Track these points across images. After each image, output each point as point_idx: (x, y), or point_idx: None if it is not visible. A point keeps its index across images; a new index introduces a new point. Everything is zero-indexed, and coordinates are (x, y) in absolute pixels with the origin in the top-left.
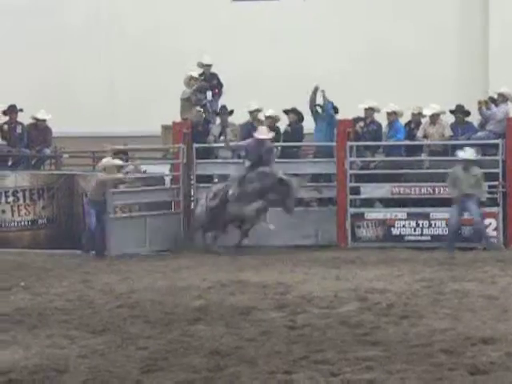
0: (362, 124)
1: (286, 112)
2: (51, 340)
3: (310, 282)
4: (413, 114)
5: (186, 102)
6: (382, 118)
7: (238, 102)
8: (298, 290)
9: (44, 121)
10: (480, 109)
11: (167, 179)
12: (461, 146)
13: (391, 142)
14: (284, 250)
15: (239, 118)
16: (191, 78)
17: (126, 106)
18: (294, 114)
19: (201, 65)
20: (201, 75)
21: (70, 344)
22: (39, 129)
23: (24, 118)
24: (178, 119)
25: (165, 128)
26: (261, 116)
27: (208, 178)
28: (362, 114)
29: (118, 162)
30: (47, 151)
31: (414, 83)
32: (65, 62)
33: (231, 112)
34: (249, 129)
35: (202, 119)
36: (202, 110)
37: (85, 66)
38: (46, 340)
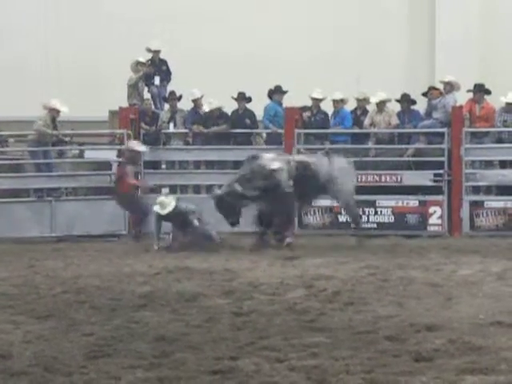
0: (308, 114)
1: (236, 98)
2: None
3: (256, 269)
4: (358, 100)
5: (133, 88)
6: (328, 106)
7: (186, 88)
8: (245, 276)
9: None
10: (429, 99)
11: (114, 165)
12: (408, 134)
13: (339, 130)
14: (229, 237)
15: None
16: (138, 63)
17: (73, 91)
18: (244, 100)
19: (149, 50)
20: (149, 61)
21: (15, 329)
22: None
23: None
24: (126, 105)
25: (112, 113)
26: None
27: (156, 164)
28: (309, 102)
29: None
30: None
31: (360, 72)
32: (10, 44)
33: (180, 97)
34: (193, 116)
35: (151, 108)
36: (149, 99)
37: (30, 49)
38: None
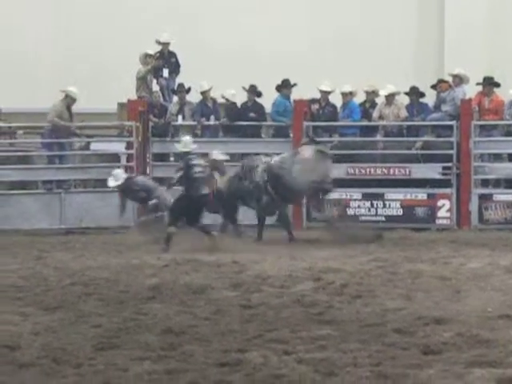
0: (317, 106)
1: (246, 91)
2: (4, 317)
3: (264, 262)
4: (366, 93)
5: (141, 81)
6: (337, 99)
7: (195, 80)
8: (253, 269)
9: None
10: (438, 92)
11: (123, 157)
12: (416, 127)
13: (347, 123)
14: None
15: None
16: (146, 55)
17: (81, 83)
18: (253, 93)
19: (158, 42)
20: (158, 53)
21: (23, 321)
22: None
23: None
24: (135, 97)
25: (121, 105)
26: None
27: (165, 157)
28: (317, 95)
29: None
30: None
31: (369, 64)
32: (18, 36)
33: (188, 90)
34: (202, 108)
35: (159, 100)
36: (158, 91)
37: (40, 41)
38: None
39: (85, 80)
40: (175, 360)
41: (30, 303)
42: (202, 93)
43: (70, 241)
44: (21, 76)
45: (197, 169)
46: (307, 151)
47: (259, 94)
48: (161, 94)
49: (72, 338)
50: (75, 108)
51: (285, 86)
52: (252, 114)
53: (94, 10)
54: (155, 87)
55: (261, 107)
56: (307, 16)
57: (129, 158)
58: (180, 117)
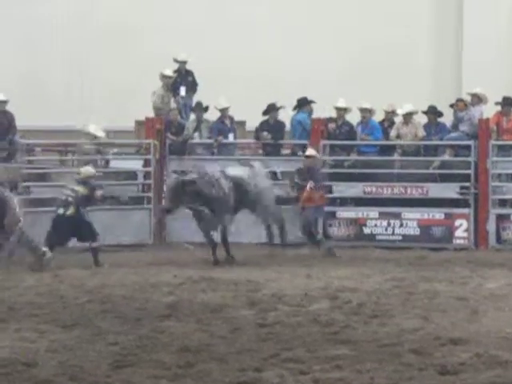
0: (333, 126)
1: (266, 109)
2: (20, 334)
3: (280, 280)
4: (386, 112)
5: (159, 99)
6: (353, 117)
7: (211, 99)
8: (269, 287)
9: (4, 102)
10: (455, 111)
11: (140, 175)
12: (434, 147)
13: (365, 142)
14: (252, 248)
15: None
16: (162, 76)
17: (100, 101)
18: (274, 111)
19: (176, 60)
20: (176, 71)
21: (40, 338)
22: (1, 114)
23: None
24: (152, 115)
25: (138, 123)
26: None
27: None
28: (334, 113)
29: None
30: (20, 141)
31: (387, 83)
32: (37, 54)
33: (206, 108)
34: (219, 127)
35: (177, 118)
36: (177, 108)
37: (58, 59)
38: (15, 334)
39: (102, 98)
40: (191, 379)
41: (47, 320)
42: (221, 110)
43: (88, 258)
44: (39, 94)
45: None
46: (259, 168)
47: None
48: (178, 112)
49: (89, 356)
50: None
51: (303, 104)
52: (265, 133)
53: (111, 28)
54: (172, 105)
55: (282, 125)
56: (325, 35)
57: (146, 175)
58: (197, 134)
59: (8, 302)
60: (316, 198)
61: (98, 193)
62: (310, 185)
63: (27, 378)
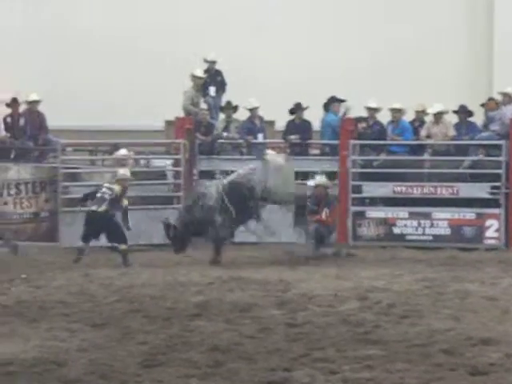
0: (364, 125)
1: (293, 109)
2: (51, 333)
3: (310, 280)
4: (416, 112)
5: (189, 99)
6: (383, 117)
7: (240, 99)
8: (299, 287)
9: (37, 102)
10: (486, 110)
11: (169, 174)
12: (465, 146)
13: (395, 142)
14: (283, 247)
15: (240, 114)
16: (193, 76)
17: (129, 100)
18: (300, 111)
19: (205, 60)
20: (206, 71)
21: (70, 337)
22: (34, 114)
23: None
24: (182, 114)
25: (168, 123)
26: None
27: (211, 174)
28: (364, 113)
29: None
30: (53, 139)
31: (418, 83)
32: (68, 54)
33: (236, 108)
34: (249, 126)
35: (206, 118)
36: (207, 109)
37: (88, 60)
38: (45, 333)
39: (132, 98)
40: (221, 378)
41: (77, 319)
42: (250, 110)
43: (117, 258)
44: (70, 94)
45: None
46: (275, 161)
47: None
48: (208, 112)
49: (118, 355)
50: (122, 125)
51: (332, 102)
52: (293, 137)
53: (141, 30)
54: (202, 105)
55: (309, 125)
56: (355, 34)
57: (176, 175)
58: (225, 134)
59: (39, 302)
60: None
61: (125, 201)
62: (325, 213)
63: (57, 377)
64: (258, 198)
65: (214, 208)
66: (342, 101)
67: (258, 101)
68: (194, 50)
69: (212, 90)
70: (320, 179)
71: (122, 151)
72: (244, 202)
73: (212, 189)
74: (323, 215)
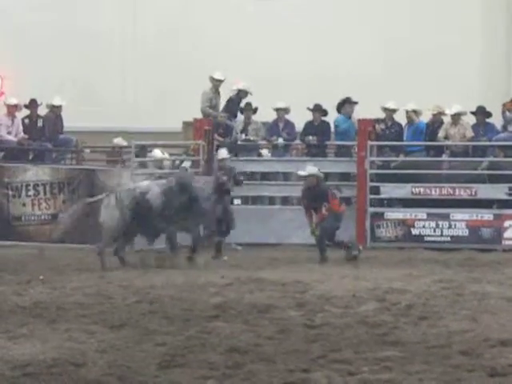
0: (382, 126)
1: (312, 110)
2: (69, 334)
3: (328, 281)
4: (433, 115)
5: (207, 101)
6: (402, 117)
7: (262, 101)
8: (317, 288)
9: (60, 107)
10: (504, 112)
11: None
12: (483, 148)
13: (411, 143)
14: (301, 249)
15: (263, 116)
16: (212, 78)
17: (146, 102)
18: (319, 112)
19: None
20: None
21: (89, 338)
22: (56, 117)
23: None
24: (200, 115)
25: (186, 124)
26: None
27: None
28: (381, 114)
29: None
30: (72, 140)
31: (435, 84)
32: (87, 56)
33: (255, 110)
34: (272, 128)
35: (225, 120)
36: (225, 114)
37: (106, 61)
38: (64, 334)
39: (150, 99)
40: (240, 379)
41: (96, 321)
42: (276, 110)
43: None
44: (90, 97)
45: None
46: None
47: (325, 113)
48: (226, 114)
49: (137, 356)
50: (140, 127)
51: (346, 104)
52: (311, 138)
53: (161, 32)
54: (221, 107)
55: (327, 126)
56: (372, 36)
57: None
58: (243, 135)
59: (57, 303)
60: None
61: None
62: (324, 209)
63: (76, 379)
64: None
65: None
66: (355, 103)
67: (285, 103)
68: (213, 53)
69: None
70: (311, 169)
71: (157, 152)
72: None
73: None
74: (323, 211)
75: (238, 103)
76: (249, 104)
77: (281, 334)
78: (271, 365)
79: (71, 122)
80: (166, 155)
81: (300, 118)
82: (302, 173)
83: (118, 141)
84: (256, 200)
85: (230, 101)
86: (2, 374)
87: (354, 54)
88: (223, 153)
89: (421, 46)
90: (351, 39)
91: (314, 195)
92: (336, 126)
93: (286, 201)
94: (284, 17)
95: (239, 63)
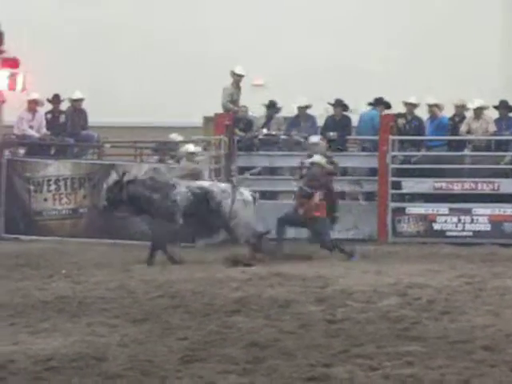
0: (403, 121)
1: (333, 105)
2: (91, 328)
3: (349, 276)
4: (456, 107)
5: (228, 96)
6: (422, 111)
7: (285, 96)
8: (338, 283)
9: (80, 100)
10: None
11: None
12: (505, 142)
13: (434, 137)
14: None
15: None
16: (233, 73)
17: (168, 97)
18: (340, 107)
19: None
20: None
21: (111, 332)
22: (78, 112)
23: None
24: (220, 110)
25: (207, 119)
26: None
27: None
28: (402, 109)
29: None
30: (94, 135)
31: (458, 78)
32: (109, 52)
33: (279, 109)
34: (293, 123)
35: (246, 115)
36: (245, 106)
37: (128, 57)
38: (86, 328)
39: (171, 94)
40: (260, 374)
41: (118, 315)
42: (299, 108)
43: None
44: (112, 92)
45: None
46: (243, 194)
47: (346, 107)
48: (246, 109)
49: (158, 351)
50: (161, 122)
51: (379, 103)
52: (331, 133)
53: (181, 28)
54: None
55: (348, 121)
56: (395, 29)
57: (215, 171)
58: (265, 130)
59: (79, 297)
60: (323, 209)
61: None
62: (319, 196)
63: (98, 373)
64: (220, 218)
65: (177, 207)
66: (388, 105)
67: (307, 99)
68: (232, 47)
69: None
70: (317, 158)
71: (190, 147)
72: (202, 213)
73: (182, 187)
74: (316, 198)
75: None
76: (273, 103)
77: (301, 328)
78: (292, 360)
79: (93, 117)
80: (199, 149)
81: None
82: (308, 160)
83: (174, 136)
84: (276, 194)
85: None
86: (25, 368)
87: (376, 48)
88: (315, 138)
89: (443, 41)
90: (374, 33)
91: (316, 184)
92: (370, 120)
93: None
94: (305, 10)
95: (260, 58)
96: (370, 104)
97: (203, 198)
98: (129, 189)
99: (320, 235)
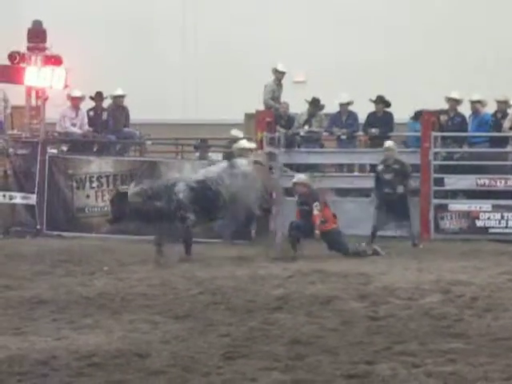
0: (446, 117)
1: (374, 101)
2: (133, 325)
3: (391, 273)
4: (498, 102)
5: (270, 92)
6: (465, 108)
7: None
8: (380, 280)
9: (122, 97)
10: None
11: None
12: None
13: (476, 134)
14: (364, 240)
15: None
16: (275, 70)
17: (209, 94)
18: (382, 103)
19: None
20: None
21: (153, 329)
22: (120, 109)
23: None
24: (261, 107)
25: (248, 116)
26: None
27: (290, 167)
28: (444, 105)
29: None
30: (136, 133)
31: (500, 74)
32: (150, 49)
33: (322, 107)
34: (334, 119)
35: (287, 111)
36: (286, 102)
37: (169, 54)
38: (128, 325)
39: (212, 91)
40: (303, 371)
41: (159, 311)
42: (340, 105)
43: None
44: (152, 89)
45: None
46: (245, 164)
47: (388, 104)
48: (288, 105)
49: (200, 347)
50: (202, 119)
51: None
52: (373, 130)
53: (220, 22)
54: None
55: (390, 117)
56: (435, 28)
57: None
58: (306, 127)
59: (121, 293)
60: (331, 218)
61: None
62: (315, 209)
63: (140, 369)
64: (222, 203)
65: (183, 204)
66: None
67: (349, 96)
68: (273, 44)
69: None
70: (299, 177)
71: (243, 142)
72: (206, 204)
73: (181, 184)
74: (314, 212)
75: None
76: (316, 100)
77: (344, 325)
78: (334, 356)
79: (135, 114)
80: (253, 145)
81: (363, 109)
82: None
83: (235, 132)
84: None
85: None
86: (68, 364)
87: (416, 45)
88: (389, 142)
89: (484, 38)
90: (413, 30)
91: (308, 200)
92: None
93: (346, 192)
94: (347, 7)
95: (301, 55)
96: (413, 118)
97: (203, 189)
98: (130, 204)
99: (336, 245)
